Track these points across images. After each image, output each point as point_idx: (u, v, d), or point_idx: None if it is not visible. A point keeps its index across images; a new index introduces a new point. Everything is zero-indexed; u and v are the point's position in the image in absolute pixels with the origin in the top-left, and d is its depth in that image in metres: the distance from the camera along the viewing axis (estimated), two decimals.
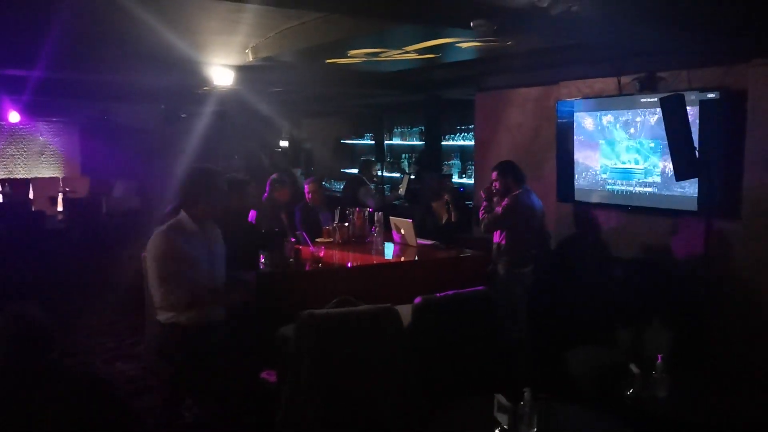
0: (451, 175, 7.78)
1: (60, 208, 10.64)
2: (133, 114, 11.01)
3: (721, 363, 4.24)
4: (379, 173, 7.93)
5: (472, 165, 7.72)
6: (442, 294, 3.63)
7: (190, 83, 6.85)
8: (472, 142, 7.48)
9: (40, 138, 11.62)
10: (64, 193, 10.89)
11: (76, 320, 6.19)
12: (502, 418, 2.81)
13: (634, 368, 3.31)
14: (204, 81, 6.17)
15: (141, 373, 5.07)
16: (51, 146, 11.77)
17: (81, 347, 5.48)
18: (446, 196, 5.83)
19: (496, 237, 4.97)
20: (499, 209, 4.81)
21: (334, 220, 5.65)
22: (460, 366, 3.41)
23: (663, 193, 4.76)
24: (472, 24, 2.82)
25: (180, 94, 8.48)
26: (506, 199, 4.79)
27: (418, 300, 3.57)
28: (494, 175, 4.93)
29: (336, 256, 4.92)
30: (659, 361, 3.33)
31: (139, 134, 10.98)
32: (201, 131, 9.83)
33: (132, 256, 6.22)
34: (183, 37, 4.71)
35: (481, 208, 4.95)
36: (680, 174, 4.12)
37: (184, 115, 10.95)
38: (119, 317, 6.44)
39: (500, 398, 2.84)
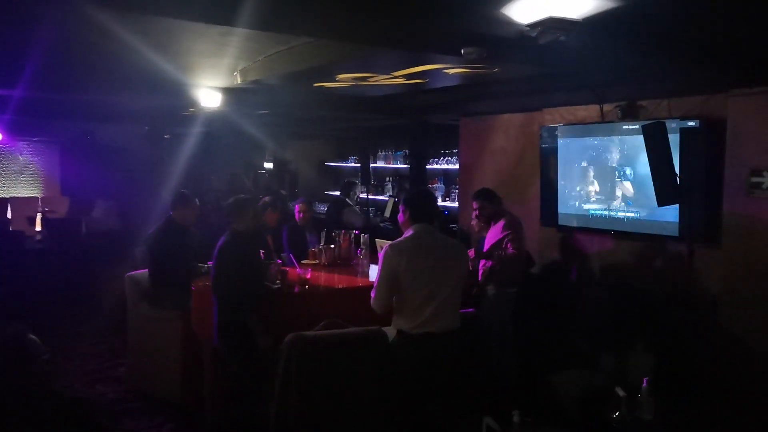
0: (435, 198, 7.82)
1: (39, 228, 10.48)
2: (115, 134, 10.95)
3: (703, 386, 4.29)
4: (363, 195, 7.98)
5: (455, 189, 7.79)
6: None
7: (176, 104, 6.85)
8: (456, 166, 7.57)
9: (20, 157, 11.49)
10: (43, 213, 10.75)
11: (55, 342, 6.08)
12: None
13: (619, 391, 3.35)
14: (190, 102, 6.18)
15: (122, 395, 4.99)
16: (31, 165, 11.63)
17: (61, 369, 5.38)
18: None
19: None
20: (509, 249, 4.75)
21: (320, 242, 5.66)
22: (448, 388, 3.40)
23: (645, 218, 4.84)
24: (462, 51, 2.89)
25: (165, 115, 8.45)
26: (503, 223, 4.75)
27: None
28: (475, 204, 4.93)
29: (323, 278, 4.92)
30: (644, 384, 3.38)
31: (122, 154, 10.92)
32: (185, 152, 9.81)
33: (113, 277, 6.17)
34: (170, 60, 4.72)
35: (488, 266, 4.82)
36: (662, 200, 4.20)
37: (167, 136, 10.92)
38: (99, 339, 6.35)
39: (489, 421, 2.86)
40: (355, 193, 7.77)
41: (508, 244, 4.69)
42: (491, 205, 4.87)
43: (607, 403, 3.39)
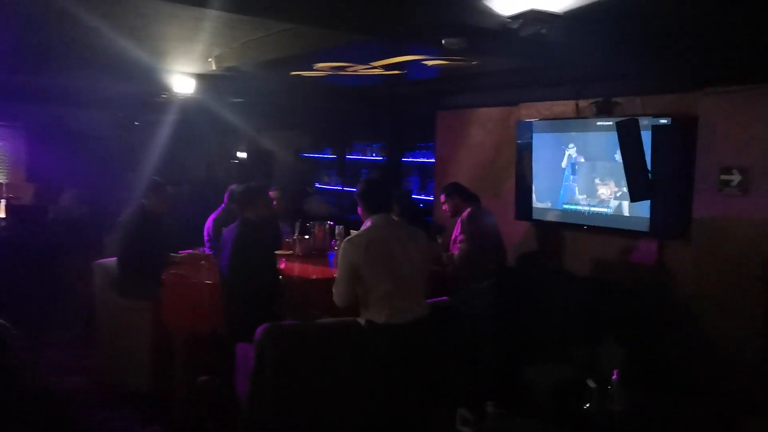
0: (410, 191, 7.84)
1: (2, 214, 10.22)
2: (85, 120, 10.69)
3: (672, 378, 4.37)
4: (339, 187, 7.98)
5: (431, 182, 7.80)
6: None
7: (149, 90, 6.72)
8: (432, 160, 7.58)
9: None
10: (7, 200, 10.47)
11: (21, 332, 5.94)
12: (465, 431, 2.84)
13: (591, 383, 3.39)
14: (163, 88, 6.07)
15: (91, 386, 4.90)
16: None
17: (28, 361, 5.25)
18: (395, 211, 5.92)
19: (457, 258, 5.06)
20: (460, 238, 4.89)
21: (294, 233, 5.61)
22: (424, 377, 3.41)
23: (617, 213, 4.91)
24: (443, 42, 2.88)
25: (137, 102, 8.30)
26: (459, 221, 4.92)
27: None
28: (442, 198, 5.12)
29: (297, 268, 4.88)
30: (615, 377, 3.42)
31: (91, 141, 10.66)
32: (157, 140, 9.63)
33: (81, 266, 6.03)
34: (143, 44, 4.62)
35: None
36: (635, 195, 4.27)
37: (137, 123, 10.70)
38: (67, 329, 6.22)
39: (464, 412, 2.87)
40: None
41: (456, 248, 4.88)
42: (452, 199, 5.05)
43: (578, 394, 3.43)
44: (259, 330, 3.39)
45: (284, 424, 3.36)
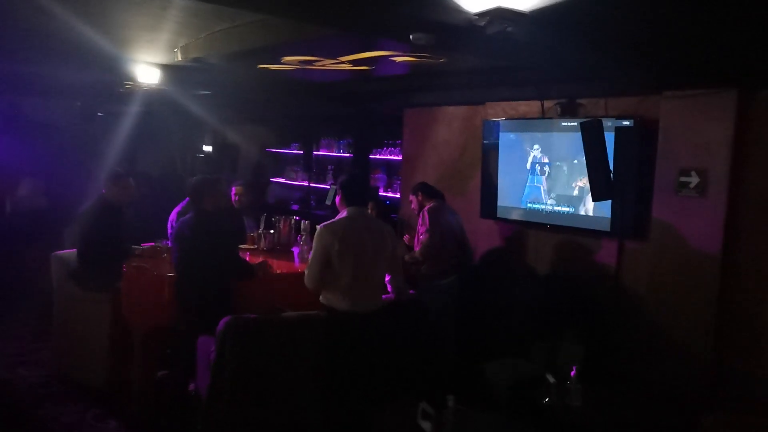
0: (378, 188, 7.85)
1: None
2: (45, 109, 10.40)
3: (629, 373, 4.47)
4: (306, 183, 7.96)
5: (397, 179, 7.83)
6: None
7: (112, 80, 6.58)
8: (399, 157, 7.59)
9: None
10: None
11: None
12: (426, 425, 2.86)
13: (550, 378, 3.45)
14: (127, 78, 5.95)
15: (44, 380, 4.78)
16: None
17: None
18: (371, 209, 5.91)
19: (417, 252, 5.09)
20: (421, 230, 4.94)
21: (259, 227, 5.57)
22: (385, 369, 3.44)
23: (579, 213, 4.99)
24: (411, 37, 2.88)
25: (99, 92, 8.11)
26: (420, 215, 4.97)
27: None
28: (411, 197, 5.23)
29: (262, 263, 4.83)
30: (573, 373, 3.49)
31: (51, 131, 10.38)
32: (120, 131, 9.44)
33: (38, 258, 5.88)
34: (106, 32, 4.52)
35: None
36: (597, 194, 4.34)
37: (100, 114, 10.47)
38: (22, 322, 6.06)
39: (425, 405, 2.88)
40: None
41: (417, 244, 4.96)
42: (416, 197, 5.14)
43: (537, 389, 3.48)
44: (222, 322, 3.36)
45: (244, 416, 3.34)
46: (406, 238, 5.33)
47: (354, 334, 3.45)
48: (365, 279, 3.56)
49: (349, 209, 3.70)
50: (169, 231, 5.41)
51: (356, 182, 3.85)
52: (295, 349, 3.47)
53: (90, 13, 3.95)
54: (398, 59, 4.49)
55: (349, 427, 3.36)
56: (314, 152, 9.42)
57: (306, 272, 3.63)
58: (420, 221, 5.01)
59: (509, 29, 2.62)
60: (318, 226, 3.69)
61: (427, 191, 5.13)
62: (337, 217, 3.73)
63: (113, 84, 7.02)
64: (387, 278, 3.95)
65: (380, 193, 7.88)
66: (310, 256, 3.65)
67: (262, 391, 3.40)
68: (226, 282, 3.98)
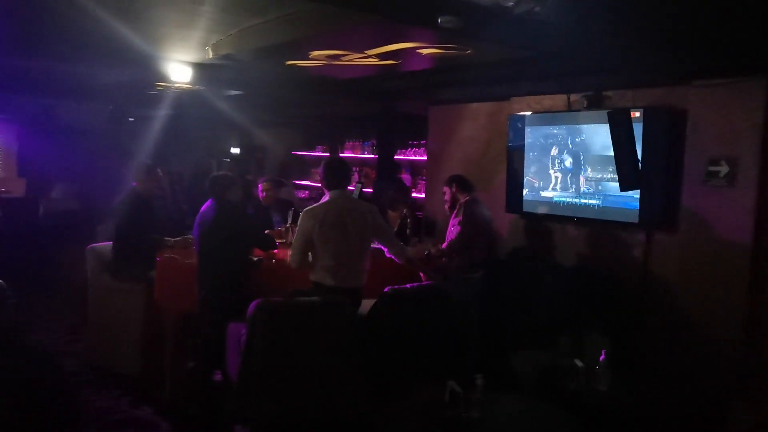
0: (410, 188, 7.90)
1: None
2: (78, 113, 10.66)
3: (657, 364, 4.43)
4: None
5: (422, 179, 7.87)
6: (408, 285, 3.83)
7: (143, 79, 6.71)
8: (423, 157, 7.63)
9: None
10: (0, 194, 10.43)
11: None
12: (454, 404, 2.87)
13: (578, 362, 3.44)
14: (159, 77, 6.07)
15: (80, 369, 4.91)
16: None
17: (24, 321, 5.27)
18: (405, 211, 6.01)
19: (446, 244, 5.12)
20: (455, 222, 4.98)
21: (287, 221, 5.66)
22: (417, 354, 3.49)
23: (606, 205, 4.97)
24: (439, 20, 2.92)
25: (131, 94, 8.28)
26: (454, 213, 5.00)
27: (387, 289, 3.71)
28: (444, 188, 5.28)
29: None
30: (602, 357, 3.48)
31: (83, 135, 10.65)
32: (149, 136, 9.63)
33: (71, 257, 6.03)
34: (139, 30, 4.63)
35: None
36: (624, 185, 4.33)
37: (131, 119, 10.69)
38: (56, 317, 6.21)
39: (453, 384, 2.90)
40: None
41: (449, 236, 5.08)
42: (450, 188, 5.21)
43: (565, 375, 3.48)
44: (252, 305, 3.43)
45: (275, 399, 3.38)
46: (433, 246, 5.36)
47: (395, 315, 3.61)
48: (348, 258, 3.80)
49: (331, 193, 3.89)
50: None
51: (335, 166, 4.01)
52: (324, 332, 3.52)
53: (125, 10, 4.06)
54: (424, 51, 4.53)
55: (378, 408, 3.39)
56: (339, 154, 9.52)
57: (290, 253, 3.89)
58: (454, 213, 5.04)
59: (537, 9, 2.66)
60: (301, 211, 3.92)
61: (462, 184, 5.16)
62: (320, 201, 3.94)
63: (145, 85, 7.17)
64: (386, 252, 4.14)
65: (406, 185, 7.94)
66: (294, 239, 3.91)
67: (293, 373, 3.44)
68: (246, 268, 4.09)
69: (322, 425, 3.47)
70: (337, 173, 3.95)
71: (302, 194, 9.99)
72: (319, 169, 4.02)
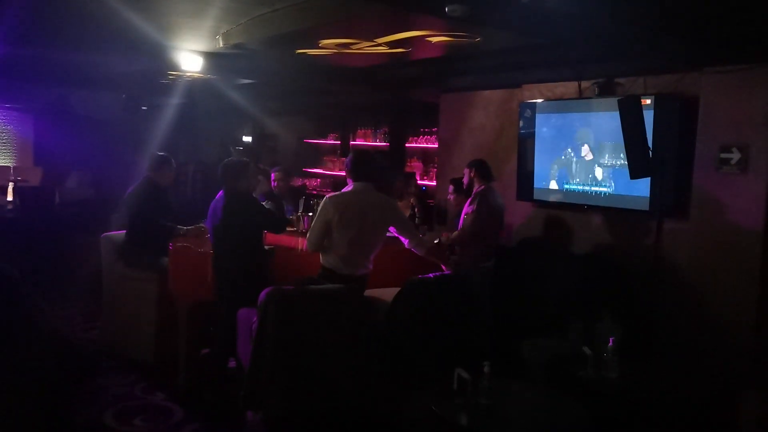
0: (414, 173, 7.89)
1: (10, 197, 10.31)
2: (92, 103, 10.75)
3: (667, 350, 4.43)
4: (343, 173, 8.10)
5: (433, 167, 7.86)
6: (430, 275, 3.89)
7: (156, 68, 6.76)
8: (435, 145, 7.63)
9: None
10: (15, 183, 10.57)
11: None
12: (463, 390, 2.90)
13: (587, 350, 3.45)
14: (170, 66, 6.12)
15: (96, 355, 4.98)
16: (3, 134, 11.40)
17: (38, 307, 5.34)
18: (412, 200, 6.02)
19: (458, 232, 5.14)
20: (469, 210, 5.00)
21: (298, 210, 5.70)
22: (439, 341, 3.54)
23: (617, 193, 4.95)
24: (447, 9, 2.92)
25: (143, 83, 8.34)
26: (468, 201, 5.01)
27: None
28: (465, 170, 5.26)
29: (300, 242, 4.93)
30: (611, 343, 3.48)
31: (98, 124, 10.74)
32: (162, 124, 9.70)
33: (86, 245, 6.12)
34: (151, 19, 4.67)
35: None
36: (635, 172, 4.32)
37: (144, 108, 10.77)
38: (71, 304, 6.31)
39: (461, 371, 2.93)
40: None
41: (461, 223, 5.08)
42: (469, 173, 5.15)
43: (574, 362, 3.49)
44: (263, 293, 3.47)
45: (286, 386, 3.43)
46: (444, 235, 5.36)
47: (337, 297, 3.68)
48: (362, 248, 3.89)
49: (356, 184, 3.97)
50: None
51: (362, 159, 4.10)
52: (335, 320, 3.56)
53: (137, 0, 4.10)
54: (434, 39, 4.52)
55: (388, 395, 3.44)
56: (351, 142, 9.53)
57: (308, 235, 3.98)
58: (468, 202, 5.05)
59: None
60: (325, 196, 4.00)
61: (482, 170, 5.13)
62: (343, 190, 4.02)
63: (158, 74, 7.22)
64: (406, 243, 4.18)
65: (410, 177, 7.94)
66: (313, 222, 3.99)
67: (303, 361, 3.49)
68: (260, 255, 4.14)
69: (332, 411, 3.52)
70: (364, 167, 4.05)
71: (313, 182, 10.02)
72: (347, 159, 4.11)
